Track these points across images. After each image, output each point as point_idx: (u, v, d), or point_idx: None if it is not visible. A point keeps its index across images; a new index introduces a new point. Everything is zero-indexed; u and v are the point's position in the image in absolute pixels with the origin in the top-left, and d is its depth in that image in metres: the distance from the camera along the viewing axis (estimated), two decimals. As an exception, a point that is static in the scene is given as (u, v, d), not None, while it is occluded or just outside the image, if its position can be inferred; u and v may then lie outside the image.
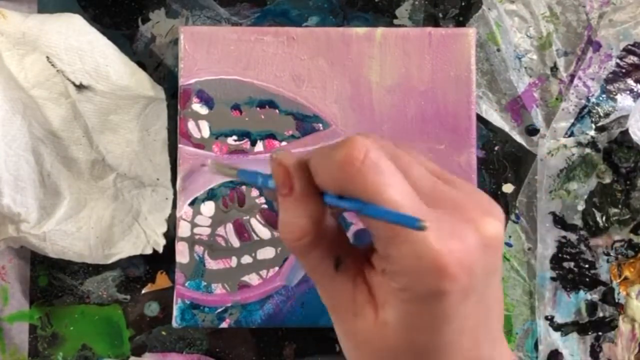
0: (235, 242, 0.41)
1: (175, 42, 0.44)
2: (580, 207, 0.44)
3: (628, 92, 0.44)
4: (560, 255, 0.44)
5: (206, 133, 0.41)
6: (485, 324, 0.25)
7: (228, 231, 0.41)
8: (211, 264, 0.40)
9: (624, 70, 0.44)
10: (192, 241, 0.40)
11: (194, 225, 0.41)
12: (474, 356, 0.25)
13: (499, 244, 0.24)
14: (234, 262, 0.40)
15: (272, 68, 0.41)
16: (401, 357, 0.25)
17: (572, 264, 0.44)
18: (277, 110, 0.41)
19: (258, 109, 0.41)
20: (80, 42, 0.39)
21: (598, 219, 0.44)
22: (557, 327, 0.43)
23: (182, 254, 0.40)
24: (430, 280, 0.22)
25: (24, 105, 0.39)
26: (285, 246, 0.27)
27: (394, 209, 0.22)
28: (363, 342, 0.26)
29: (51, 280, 0.43)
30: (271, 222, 0.41)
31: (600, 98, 0.44)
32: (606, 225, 0.44)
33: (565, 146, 0.44)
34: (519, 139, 0.44)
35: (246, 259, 0.40)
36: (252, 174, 0.30)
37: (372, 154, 0.23)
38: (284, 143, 0.41)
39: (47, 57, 0.39)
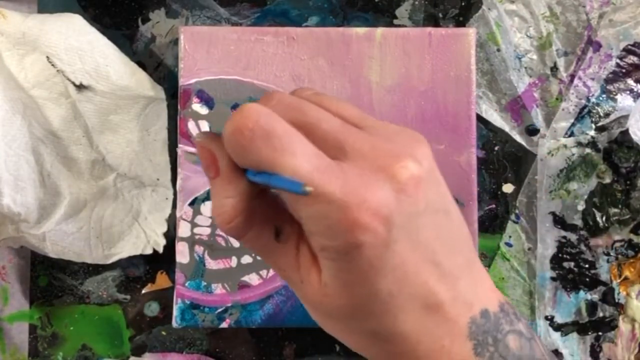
0: (235, 242, 0.41)
1: (175, 42, 0.44)
2: (580, 207, 0.44)
3: (628, 92, 0.44)
4: (560, 255, 0.44)
5: (206, 133, 0.41)
6: (433, 266, 0.24)
7: (228, 231, 0.41)
8: (211, 264, 0.40)
9: (624, 70, 0.44)
10: (192, 241, 0.40)
11: (194, 225, 0.41)
12: (433, 301, 0.24)
13: (416, 184, 0.23)
14: (234, 262, 0.40)
15: (272, 68, 0.41)
16: (353, 315, 0.24)
17: (572, 264, 0.44)
18: (277, 110, 0.41)
19: (258, 109, 0.41)
20: (80, 42, 0.39)
21: (598, 219, 0.44)
22: (557, 327, 0.43)
23: (182, 254, 0.40)
24: (343, 235, 0.22)
25: (24, 105, 0.39)
26: (221, 230, 0.26)
27: (291, 173, 0.22)
28: (316, 307, 0.26)
29: (51, 280, 0.43)
30: (271, 222, 0.41)
31: (600, 98, 0.44)
32: (606, 225, 0.44)
33: (565, 146, 0.44)
34: (519, 139, 0.44)
35: (246, 259, 0.40)
36: None
37: (262, 120, 0.22)
38: (284, 143, 0.41)
39: (47, 57, 0.39)
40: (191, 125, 0.41)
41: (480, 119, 0.44)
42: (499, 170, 0.44)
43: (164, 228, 0.43)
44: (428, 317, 0.24)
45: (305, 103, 0.25)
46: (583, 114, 0.44)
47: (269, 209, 0.26)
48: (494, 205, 0.44)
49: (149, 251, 0.42)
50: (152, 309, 0.43)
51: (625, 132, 0.43)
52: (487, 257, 0.44)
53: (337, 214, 0.22)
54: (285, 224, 0.26)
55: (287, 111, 0.24)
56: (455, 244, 0.25)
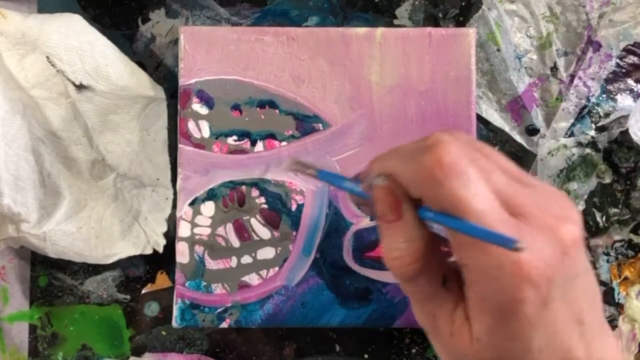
0: (235, 242, 0.41)
1: (175, 42, 0.44)
2: (580, 207, 0.44)
3: (628, 92, 0.44)
4: (560, 255, 0.44)
5: (206, 133, 0.41)
6: (578, 324, 0.25)
7: (228, 231, 0.41)
8: (211, 264, 0.40)
9: (624, 70, 0.44)
10: (192, 241, 0.40)
11: (194, 225, 0.41)
12: (570, 358, 0.24)
13: (578, 247, 0.24)
14: (234, 262, 0.40)
15: (272, 68, 0.41)
16: None
17: (572, 264, 0.44)
18: (277, 110, 0.41)
19: (258, 109, 0.41)
20: (80, 42, 0.39)
21: (598, 219, 0.44)
22: (557, 327, 0.43)
23: (182, 254, 0.40)
24: (510, 289, 0.22)
25: (24, 105, 0.39)
26: (391, 272, 0.26)
27: (479, 219, 0.23)
28: (458, 359, 0.26)
29: (51, 280, 0.43)
30: (271, 222, 0.41)
31: (600, 98, 0.44)
32: (606, 225, 0.44)
33: (565, 146, 0.44)
34: (519, 139, 0.44)
35: (246, 259, 0.40)
36: (336, 177, 0.31)
37: (460, 160, 0.23)
38: (284, 143, 0.41)
39: (47, 57, 0.39)
40: (191, 125, 0.41)
41: (480, 119, 0.44)
42: (499, 170, 0.44)
43: (164, 228, 0.43)
44: None
45: (474, 150, 0.26)
46: (583, 114, 0.44)
47: (437, 256, 0.26)
48: (494, 205, 0.44)
49: (149, 251, 0.42)
50: (152, 309, 0.43)
51: (625, 132, 0.43)
52: (487, 257, 0.44)
53: (510, 268, 0.22)
54: (450, 273, 0.26)
55: (467, 154, 0.25)
56: (594, 301, 0.26)
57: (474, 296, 0.24)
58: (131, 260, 0.42)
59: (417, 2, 0.44)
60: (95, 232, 0.41)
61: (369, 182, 0.27)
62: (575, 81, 0.44)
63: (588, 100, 0.44)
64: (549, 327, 0.24)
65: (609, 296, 0.43)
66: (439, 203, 0.24)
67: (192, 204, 0.40)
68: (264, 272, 0.40)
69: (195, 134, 0.41)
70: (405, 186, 0.25)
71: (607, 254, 0.44)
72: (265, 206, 0.41)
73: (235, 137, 0.41)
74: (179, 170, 0.41)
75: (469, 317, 0.25)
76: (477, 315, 0.24)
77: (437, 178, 0.23)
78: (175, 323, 0.40)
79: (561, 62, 0.44)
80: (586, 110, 0.44)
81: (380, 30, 0.41)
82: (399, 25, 0.44)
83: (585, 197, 0.44)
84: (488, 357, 0.24)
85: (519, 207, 0.24)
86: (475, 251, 0.23)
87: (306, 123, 0.41)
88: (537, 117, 0.44)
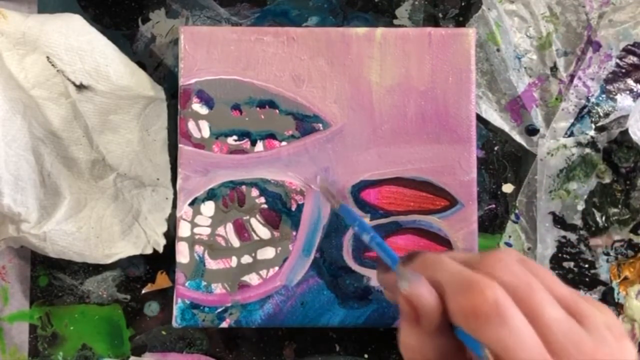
0: (235, 242, 0.41)
1: (175, 42, 0.44)
2: (580, 207, 0.44)
3: (628, 92, 0.44)
4: (560, 255, 0.44)
5: (206, 133, 0.41)
6: None
7: (228, 231, 0.41)
8: (211, 264, 0.40)
9: (623, 70, 0.44)
10: (192, 241, 0.40)
11: (194, 225, 0.41)
12: None
13: None
14: (234, 262, 0.41)
15: (272, 68, 0.41)
16: None
17: (571, 264, 0.44)
18: (277, 110, 0.41)
19: (258, 109, 0.41)
20: (80, 42, 0.39)
21: (598, 219, 0.44)
22: (557, 327, 0.43)
23: (182, 254, 0.40)
24: None
25: (24, 105, 0.39)
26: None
27: None
28: None
29: (51, 280, 0.43)
30: (271, 222, 0.41)
31: (600, 98, 0.44)
32: (606, 225, 0.44)
33: (565, 146, 0.44)
34: (518, 139, 0.44)
35: (246, 259, 0.40)
36: (353, 216, 0.35)
37: (501, 303, 0.23)
38: (284, 143, 0.41)
39: (47, 57, 0.39)
40: (191, 125, 0.41)
41: (480, 119, 0.44)
42: (499, 170, 0.44)
43: (164, 228, 0.43)
44: None
45: (530, 279, 0.25)
46: (583, 114, 0.44)
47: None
48: (493, 205, 0.44)
49: (149, 251, 0.42)
50: (152, 309, 0.43)
51: (625, 132, 0.43)
52: (487, 257, 0.44)
53: None
54: None
55: (516, 290, 0.24)
56: None
57: None
58: (131, 260, 0.42)
59: (417, 2, 0.44)
60: (95, 232, 0.41)
61: (401, 279, 0.26)
62: (575, 81, 0.44)
63: (588, 100, 0.44)
64: None
65: (608, 296, 0.44)
66: (480, 339, 0.23)
67: (192, 204, 0.41)
68: (264, 272, 0.40)
69: (195, 134, 0.41)
70: (453, 318, 0.25)
71: (607, 254, 0.44)
72: (265, 206, 0.41)
73: (235, 137, 0.41)
74: (179, 170, 0.41)
75: None
76: None
77: (477, 321, 0.23)
78: (175, 323, 0.40)
79: (561, 62, 0.44)
80: (586, 110, 0.44)
81: (380, 30, 0.41)
82: (399, 25, 0.44)
83: (585, 197, 0.44)
84: None
85: (569, 349, 0.23)
86: None
87: (306, 123, 0.41)
88: (537, 117, 0.44)
